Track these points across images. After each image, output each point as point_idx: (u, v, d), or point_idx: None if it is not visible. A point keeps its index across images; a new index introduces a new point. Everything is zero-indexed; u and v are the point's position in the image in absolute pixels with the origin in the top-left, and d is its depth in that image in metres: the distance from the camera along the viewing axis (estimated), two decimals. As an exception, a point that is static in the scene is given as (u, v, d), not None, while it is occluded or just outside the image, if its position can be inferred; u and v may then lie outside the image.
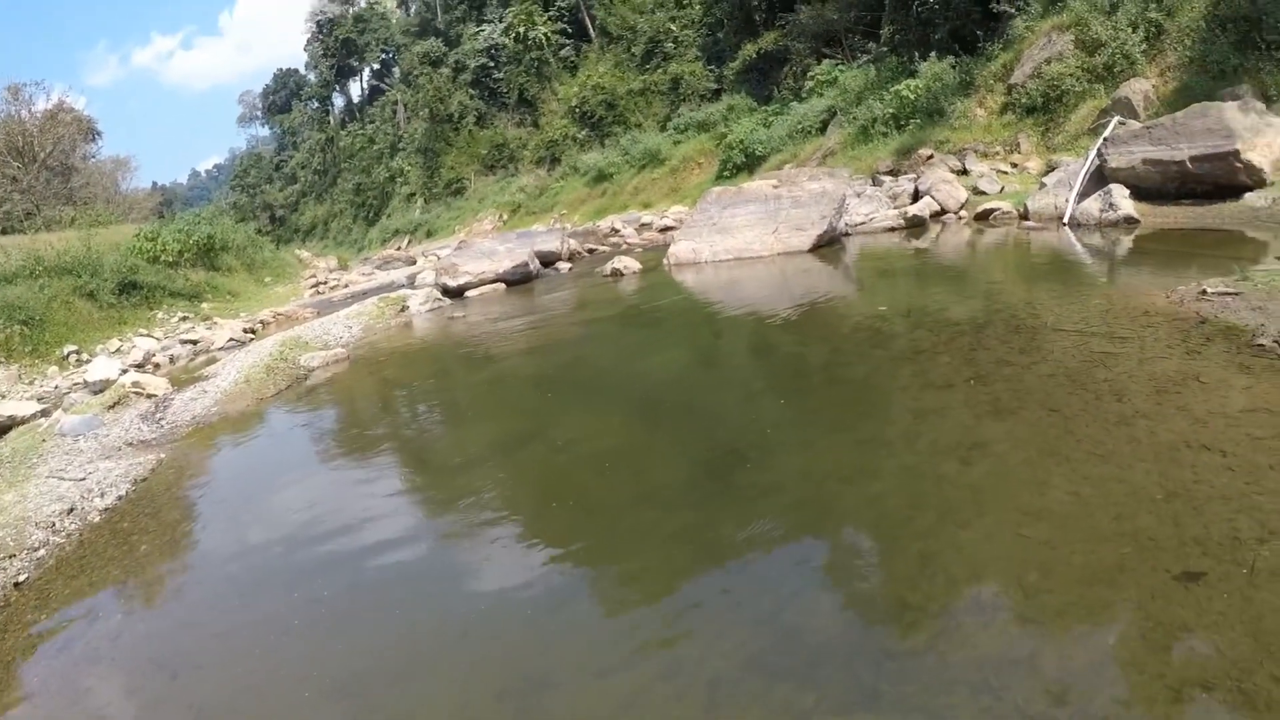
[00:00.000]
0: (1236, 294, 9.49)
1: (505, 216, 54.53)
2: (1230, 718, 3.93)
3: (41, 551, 8.61)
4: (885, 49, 31.66)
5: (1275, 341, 7.95)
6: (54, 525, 9.12)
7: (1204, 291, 9.79)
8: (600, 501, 7.87)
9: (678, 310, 16.89)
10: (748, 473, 7.74)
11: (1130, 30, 21.35)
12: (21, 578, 8.12)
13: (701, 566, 6.33)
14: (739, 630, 5.43)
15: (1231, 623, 4.49)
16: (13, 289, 21.09)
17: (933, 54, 27.01)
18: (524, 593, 6.33)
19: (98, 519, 9.30)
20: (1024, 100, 23.47)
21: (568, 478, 8.60)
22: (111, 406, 14.06)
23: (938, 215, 20.89)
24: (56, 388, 17.52)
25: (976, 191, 21.38)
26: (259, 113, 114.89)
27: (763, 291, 17.20)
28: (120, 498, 9.80)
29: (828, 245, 20.29)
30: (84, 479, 10.40)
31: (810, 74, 36.88)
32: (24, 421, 14.08)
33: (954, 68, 26.32)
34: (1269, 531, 5.19)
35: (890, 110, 27.66)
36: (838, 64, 35.71)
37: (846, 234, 21.35)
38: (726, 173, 36.10)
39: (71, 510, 9.45)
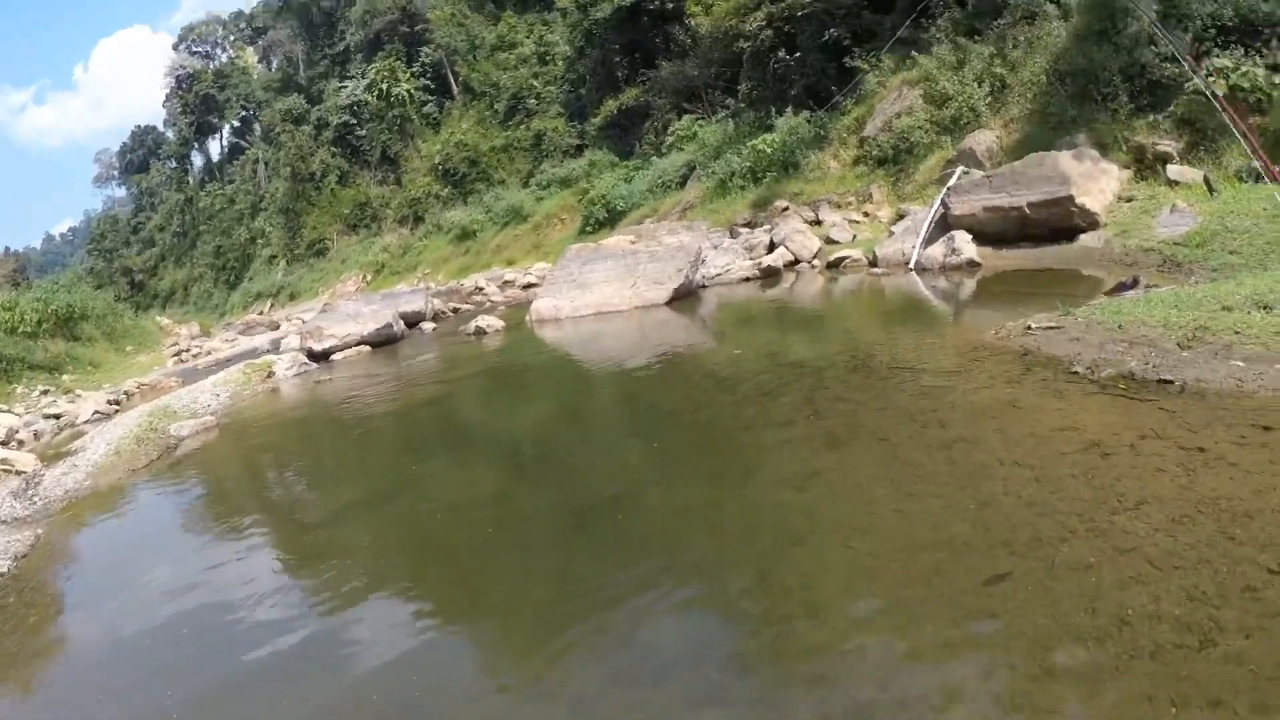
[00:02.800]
0: (1058, 328, 10.35)
1: (369, 277, 54.22)
2: (1031, 688, 4.57)
3: (-78, 627, 8.57)
4: (743, 104, 32.71)
5: (1088, 369, 8.83)
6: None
7: (1029, 327, 10.63)
8: (468, 553, 8.24)
9: (540, 366, 17.40)
10: (606, 515, 8.32)
11: (976, 85, 22.74)
12: None
13: (566, 603, 6.75)
14: (600, 652, 5.97)
15: (1033, 609, 5.16)
16: None
17: (789, 109, 28.21)
18: (402, 653, 6.53)
19: (-25, 603, 9.26)
20: (875, 152, 24.69)
21: (435, 533, 8.94)
22: (-21, 484, 13.94)
23: (792, 265, 21.72)
24: (-85, 472, 17.18)
25: (829, 241, 22.34)
26: (116, 172, 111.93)
27: (621, 344, 17.78)
28: (2, 574, 9.81)
29: (685, 297, 20.95)
30: (-39, 556, 10.38)
31: (671, 129, 37.85)
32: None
33: (809, 122, 27.51)
34: (1069, 531, 5.93)
35: (747, 164, 28.66)
36: (698, 119, 36.65)
37: (703, 286, 22.05)
38: (589, 228, 36.66)
39: (-57, 596, 9.40)
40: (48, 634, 8.26)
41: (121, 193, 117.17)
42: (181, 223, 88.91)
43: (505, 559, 7.88)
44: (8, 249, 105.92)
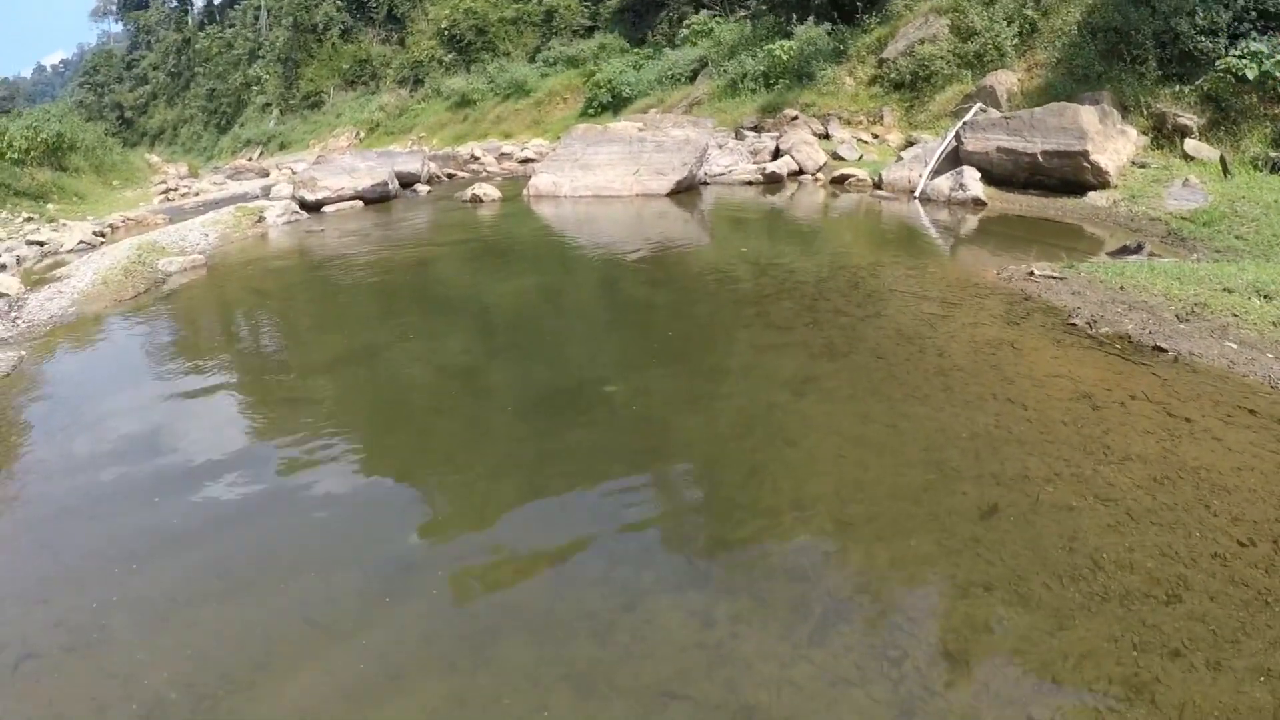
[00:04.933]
0: (1060, 279, 10.47)
1: (362, 134, 53.45)
2: (1005, 612, 4.79)
3: (-99, 444, 8.65)
4: (764, 7, 32.08)
5: (1086, 323, 8.99)
6: (-86, 418, 9.15)
7: (1031, 273, 10.70)
8: (434, 418, 8.37)
9: (533, 240, 17.39)
10: (590, 394, 8.44)
11: (1005, 24, 22.40)
12: None
13: (544, 476, 6.93)
14: (581, 525, 6.16)
15: (1014, 540, 5.40)
16: None
17: (810, 18, 27.57)
18: (346, 501, 6.81)
19: (-40, 414, 9.35)
20: (893, 75, 24.38)
21: (403, 395, 9.07)
22: (-40, 304, 13.88)
23: (795, 175, 21.60)
24: (-112, 282, 17.08)
25: (836, 157, 22.15)
26: (114, 6, 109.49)
27: (618, 230, 17.72)
28: (-17, 391, 9.84)
29: (685, 191, 20.88)
30: (-58, 374, 10.39)
31: (686, 22, 37.18)
32: None
33: (829, 34, 26.94)
34: (1054, 474, 6.16)
35: (761, 68, 28.16)
36: (715, 15, 36.07)
37: (705, 183, 21.92)
38: (591, 110, 36.22)
39: (-69, 404, 9.48)
40: (10, 452, 8.39)
41: (118, 28, 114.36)
42: (177, 63, 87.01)
43: (475, 428, 8.00)
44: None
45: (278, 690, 4.78)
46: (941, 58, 23.07)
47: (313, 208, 22.22)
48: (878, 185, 19.22)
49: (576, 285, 13.43)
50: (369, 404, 8.98)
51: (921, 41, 23.75)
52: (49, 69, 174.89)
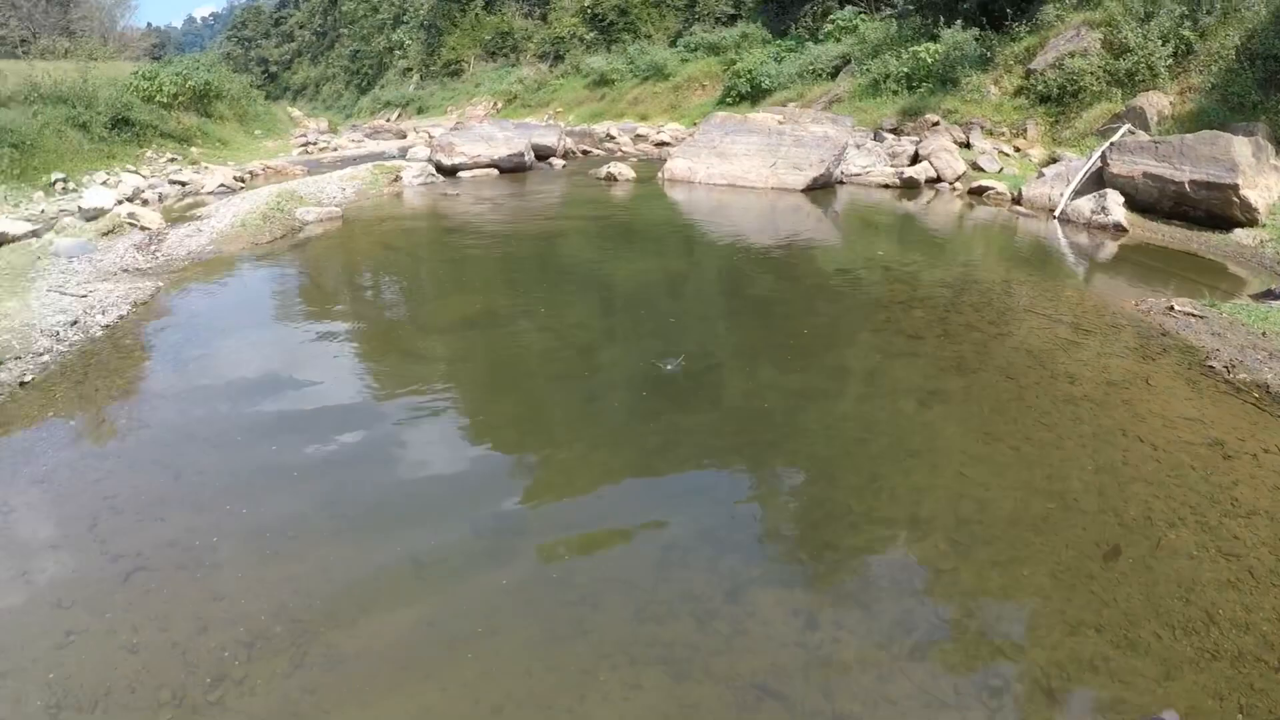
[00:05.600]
0: (1201, 317, 10.03)
1: (500, 105, 53.96)
2: (1112, 655, 4.62)
3: (46, 357, 9.02)
4: (911, 7, 31.49)
5: (1225, 366, 8.57)
6: (58, 334, 9.53)
7: (1171, 308, 10.33)
8: (547, 391, 8.43)
9: (664, 224, 17.34)
10: (709, 382, 8.40)
11: (1160, 42, 21.16)
12: (27, 378, 8.54)
13: (656, 456, 6.93)
14: (695, 509, 6.15)
15: (1130, 583, 5.21)
16: (6, 112, 21.05)
17: (958, 22, 26.81)
18: (450, 464, 6.90)
19: (99, 333, 9.72)
20: (1040, 87, 23.36)
21: (518, 364, 9.12)
22: (106, 234, 14.35)
23: (932, 182, 21.06)
24: (43, 211, 17.66)
25: (975, 167, 21.49)
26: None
27: (750, 221, 17.50)
28: (121, 317, 10.23)
29: (820, 189, 20.55)
30: (85, 296, 10.78)
31: (831, 17, 36.67)
32: (14, 240, 14.30)
33: (977, 40, 26.15)
34: (1178, 519, 5.90)
35: (905, 69, 27.52)
36: (860, 12, 35.56)
37: (840, 182, 21.58)
38: (730, 99, 36.04)
39: (75, 323, 9.86)
40: (143, 376, 8.84)
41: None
42: (323, 23, 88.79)
43: (589, 402, 8.01)
44: (150, 24, 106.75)
45: (375, 630, 4.89)
46: (1091, 73, 22.10)
47: (448, 172, 22.52)
48: (1016, 200, 18.60)
49: (703, 272, 13.34)
50: (485, 367, 9.09)
51: (1071, 54, 22.91)
52: (199, 20, 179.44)
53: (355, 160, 25.25)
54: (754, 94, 35.15)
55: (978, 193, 19.61)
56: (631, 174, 21.89)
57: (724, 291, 12.06)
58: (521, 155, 23.40)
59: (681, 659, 4.60)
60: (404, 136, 37.87)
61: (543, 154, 25.23)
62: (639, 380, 8.35)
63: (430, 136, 31.63)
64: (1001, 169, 21.34)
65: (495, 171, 22.85)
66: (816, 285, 11.99)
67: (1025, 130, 23.06)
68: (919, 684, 4.41)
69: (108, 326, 9.94)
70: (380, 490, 6.48)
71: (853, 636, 4.74)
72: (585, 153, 28.90)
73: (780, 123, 22.67)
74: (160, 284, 11.58)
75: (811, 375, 8.61)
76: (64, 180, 20.09)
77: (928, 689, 4.37)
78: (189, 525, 6.01)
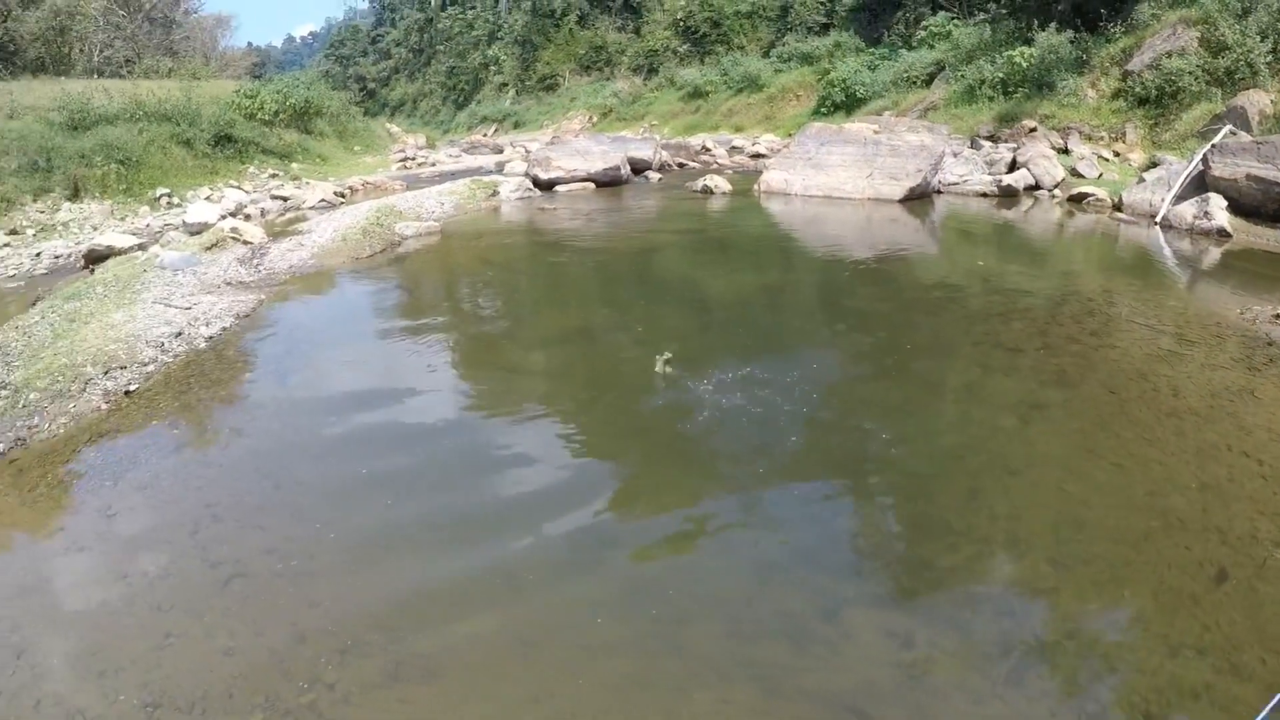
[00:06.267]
0: (1309, 327, 9.64)
1: (595, 119, 54.17)
2: (1215, 681, 4.39)
3: (150, 367, 9.26)
4: (1004, 11, 30.87)
5: (1338, 377, 8.16)
6: (163, 345, 9.76)
7: (1278, 315, 9.94)
8: (650, 405, 8.25)
9: (761, 237, 17.13)
10: (805, 397, 8.17)
11: (1259, 39, 20.39)
12: (132, 387, 8.78)
13: (759, 473, 6.77)
14: (792, 525, 6.02)
15: (1234, 605, 4.94)
16: (113, 129, 21.85)
17: (1052, 24, 25.87)
18: (545, 477, 6.84)
19: (203, 345, 9.95)
20: (1137, 89, 22.54)
21: (622, 381, 9.00)
22: (209, 248, 14.71)
23: (1031, 189, 20.50)
24: (148, 226, 18.24)
25: (1074, 173, 20.89)
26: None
27: (847, 233, 17.20)
28: (224, 329, 10.46)
29: (918, 199, 20.15)
30: (189, 308, 11.01)
31: (924, 23, 36.16)
32: (121, 252, 14.72)
33: (1071, 43, 25.23)
34: None
35: (999, 74, 26.72)
36: (953, 18, 35.01)
37: (938, 191, 21.19)
38: (824, 109, 35.74)
39: (179, 334, 10.09)
40: (245, 386, 9.01)
41: (364, 5, 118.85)
42: (419, 40, 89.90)
43: (683, 418, 7.83)
44: (250, 44, 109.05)
45: (469, 642, 4.88)
46: (1190, 73, 21.23)
47: (545, 186, 22.64)
48: (1116, 207, 18.03)
49: (801, 286, 13.15)
50: (582, 383, 9.05)
51: (1169, 54, 22.14)
52: (298, 40, 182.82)
53: (453, 175, 25.54)
54: (849, 103, 34.82)
55: (1077, 200, 19.09)
56: (728, 186, 21.76)
57: (822, 305, 11.86)
58: (618, 169, 23.43)
59: (774, 677, 4.50)
60: (500, 151, 38.16)
61: (638, 167, 25.20)
62: (736, 396, 8.19)
63: (526, 151, 31.84)
64: (1101, 174, 20.75)
65: (591, 185, 22.91)
66: (915, 297, 11.73)
67: (1124, 134, 22.40)
68: (1015, 708, 4.25)
69: (211, 338, 10.16)
70: (475, 502, 6.51)
71: (949, 658, 4.59)
72: (681, 165, 28.83)
73: (876, 132, 22.34)
74: (262, 297, 11.79)
75: (910, 389, 8.39)
76: (169, 195, 20.70)
77: (1024, 713, 4.21)
78: (287, 534, 6.09)
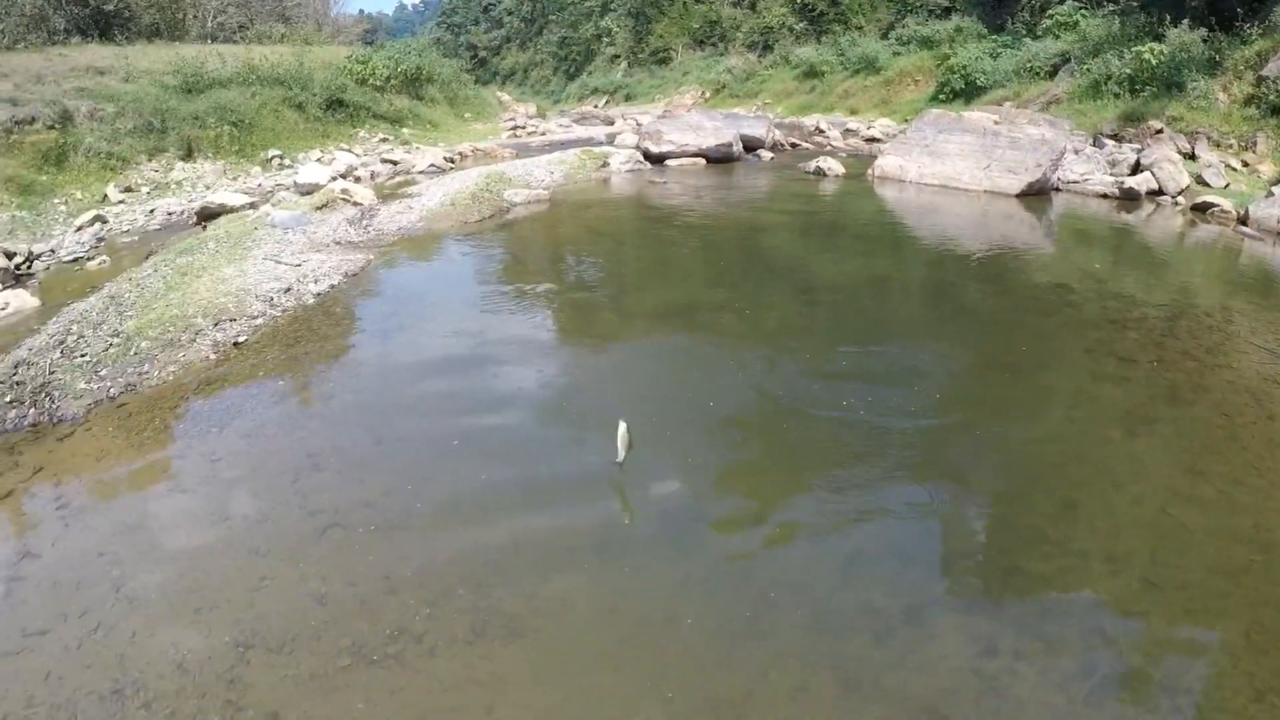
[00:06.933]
0: None
1: (707, 95, 53.79)
2: None
3: (259, 320, 9.47)
4: (1134, 3, 29.87)
5: None
6: (272, 300, 9.96)
7: None
8: (748, 387, 8.16)
9: (872, 223, 16.73)
10: (906, 392, 7.99)
11: None
12: (240, 339, 8.99)
13: (855, 465, 6.66)
14: (883, 521, 5.93)
15: None
16: (226, 92, 22.40)
17: (1185, 21, 24.72)
18: (668, 462, 6.76)
19: (311, 301, 10.13)
20: (1272, 97, 21.28)
21: (720, 362, 8.87)
22: (319, 208, 14.93)
23: (1153, 194, 19.52)
24: (259, 185, 18.63)
25: (1199, 181, 19.75)
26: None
27: (961, 225, 16.75)
28: (333, 286, 10.63)
29: (1035, 195, 19.38)
30: (299, 265, 11.20)
31: (1050, 12, 35.02)
32: (233, 210, 15.02)
33: (1204, 41, 23.92)
34: None
35: (1127, 70, 25.43)
36: (1081, 7, 33.96)
37: (1056, 188, 20.44)
38: (942, 96, 34.98)
39: (288, 290, 10.27)
40: (350, 343, 9.22)
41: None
42: (531, 9, 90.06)
43: (781, 404, 7.75)
44: (362, 11, 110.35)
45: (557, 608, 4.93)
46: None
47: (655, 159, 22.53)
48: (1242, 220, 16.95)
49: (910, 277, 12.83)
50: (684, 361, 8.95)
51: (1308, 61, 21.25)
52: (409, 7, 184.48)
53: (563, 145, 25.53)
54: (968, 91, 34.05)
55: (1201, 209, 18.18)
56: (840, 169, 21.42)
57: (930, 298, 11.61)
58: (729, 146, 23.23)
59: (853, 670, 4.46)
60: (612, 123, 38.13)
61: (750, 145, 24.91)
62: (838, 386, 8.08)
63: (638, 124, 31.78)
64: (1228, 184, 19.72)
65: (702, 161, 22.73)
66: (1027, 297, 11.34)
67: (1255, 143, 21.33)
68: None
69: (319, 295, 10.34)
70: (572, 470, 6.53)
71: (1030, 670, 4.48)
72: (793, 145, 28.50)
73: (995, 123, 21.78)
74: (371, 257, 11.95)
75: (1016, 390, 8.15)
76: (280, 157, 21.12)
77: None
78: (385, 487, 6.19)
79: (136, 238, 14.56)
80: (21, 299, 10.69)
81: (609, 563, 5.32)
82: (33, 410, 7.63)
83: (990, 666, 4.49)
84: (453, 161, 22.64)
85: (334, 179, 17.70)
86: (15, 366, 8.38)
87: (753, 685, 4.34)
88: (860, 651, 4.59)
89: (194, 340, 8.87)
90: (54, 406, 7.68)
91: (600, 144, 25.64)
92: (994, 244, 14.46)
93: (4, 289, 11.21)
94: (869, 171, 21.13)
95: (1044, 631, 4.78)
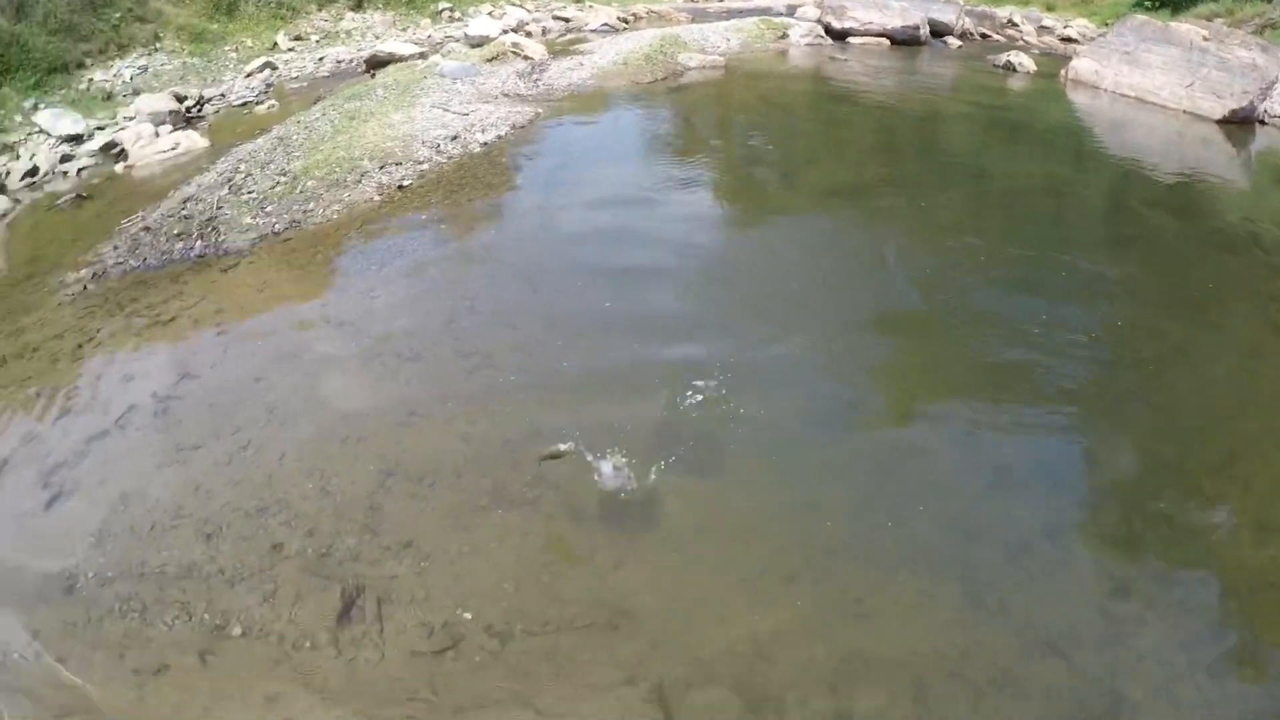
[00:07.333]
0: None
1: (896, -24, 52.15)
2: None
3: (425, 165, 9.52)
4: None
5: None
6: (438, 147, 10.00)
7: None
8: (918, 286, 7.74)
9: (1060, 128, 15.52)
10: (1082, 314, 7.50)
11: None
12: (405, 182, 9.07)
13: (1015, 381, 6.33)
14: (1037, 444, 5.64)
15: None
16: (398, -58, 22.12)
17: None
18: (826, 356, 6.49)
19: (478, 150, 10.13)
20: None
21: (882, 252, 8.47)
22: (489, 60, 14.84)
23: (1373, 140, 18.23)
24: (429, 37, 18.62)
25: None
26: None
27: (1154, 144, 15.47)
28: (499, 137, 10.60)
29: (1238, 123, 17.98)
30: (466, 115, 11.16)
31: (1280, -77, 32.95)
32: (401, 60, 15.04)
33: None
34: None
35: None
36: (1317, -80, 31.67)
37: (1262, 121, 19.05)
38: (1148, 3, 33.23)
39: (455, 138, 10.28)
40: (513, 192, 9.23)
41: None
42: None
43: (950, 307, 7.35)
44: None
45: (692, 476, 4.89)
46: None
47: (837, 35, 21.71)
48: None
49: (1093, 190, 11.85)
50: (847, 246, 8.66)
51: None
52: None
53: (741, 13, 24.79)
54: (1175, 1, 32.20)
55: None
56: (1031, 67, 20.32)
57: (1113, 216, 10.75)
58: (916, 28, 22.31)
59: (980, 585, 4.33)
60: (793, -5, 37.14)
61: (938, 30, 23.88)
62: (1008, 295, 7.69)
63: (820, -2, 30.90)
64: None
65: (886, 42, 21.87)
66: (1215, 231, 10.33)
67: None
68: (1207, 698, 3.93)
69: (486, 144, 10.31)
70: (726, 351, 6.28)
71: (1159, 623, 4.26)
72: (983, 36, 27.26)
73: (1204, 39, 20.36)
74: (539, 110, 11.85)
75: (1193, 330, 7.46)
76: (450, 9, 21.04)
77: (1214, 707, 3.89)
78: (538, 336, 6.23)
79: (305, 84, 14.71)
80: (191, 139, 10.99)
81: (754, 441, 5.23)
82: (199, 243, 7.87)
83: (1119, 609, 4.30)
84: (626, 22, 22.27)
85: (504, 33, 17.60)
86: (184, 202, 8.70)
87: (880, 582, 4.29)
88: (991, 566, 4.46)
89: (359, 182, 8.97)
90: (220, 240, 7.92)
91: (780, 15, 24.94)
92: (1187, 170, 13.41)
93: (175, 130, 11.52)
94: (1061, 73, 19.99)
95: (1179, 587, 4.55)
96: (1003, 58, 20.05)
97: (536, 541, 4.40)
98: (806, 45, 19.88)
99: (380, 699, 3.72)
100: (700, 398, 5.57)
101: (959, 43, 23.37)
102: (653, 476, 4.80)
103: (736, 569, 4.29)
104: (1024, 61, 19.80)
